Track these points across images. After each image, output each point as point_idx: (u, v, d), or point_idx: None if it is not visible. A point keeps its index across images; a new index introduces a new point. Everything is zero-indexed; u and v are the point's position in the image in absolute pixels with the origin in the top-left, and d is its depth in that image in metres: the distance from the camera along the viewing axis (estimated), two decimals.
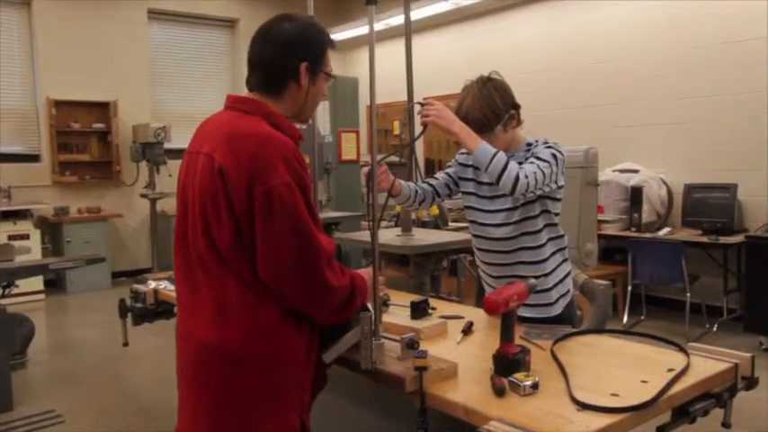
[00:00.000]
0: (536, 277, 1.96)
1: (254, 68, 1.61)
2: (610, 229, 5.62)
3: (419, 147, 7.81)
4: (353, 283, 1.56)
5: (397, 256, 3.09)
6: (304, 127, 2.08)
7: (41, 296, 6.85)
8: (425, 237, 3.23)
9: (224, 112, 1.61)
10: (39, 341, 5.04)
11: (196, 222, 1.51)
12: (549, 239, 2.16)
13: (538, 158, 2.02)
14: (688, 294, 5.02)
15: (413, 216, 3.47)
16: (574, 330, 1.98)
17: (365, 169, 1.91)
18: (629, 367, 1.64)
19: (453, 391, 1.51)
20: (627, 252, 5.40)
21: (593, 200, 3.67)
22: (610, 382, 1.52)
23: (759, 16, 5.16)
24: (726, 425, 1.64)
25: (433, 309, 2.13)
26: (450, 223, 4.87)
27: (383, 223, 4.03)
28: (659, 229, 5.50)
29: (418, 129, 2.06)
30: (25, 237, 6.77)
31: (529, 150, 2.12)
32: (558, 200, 2.16)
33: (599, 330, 2.19)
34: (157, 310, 2.90)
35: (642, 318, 5.58)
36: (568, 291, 2.25)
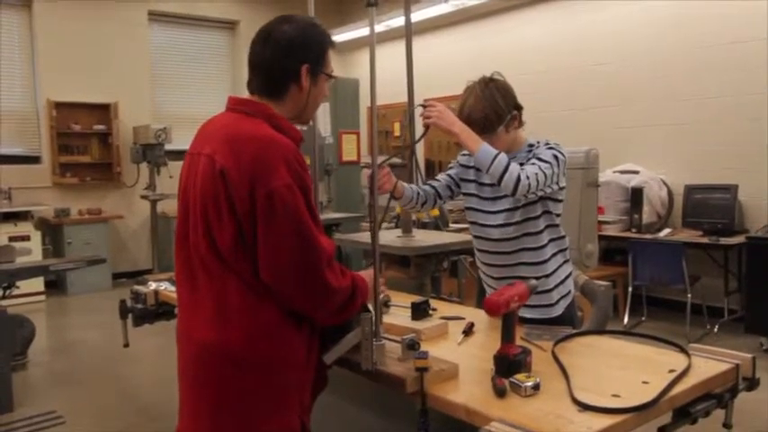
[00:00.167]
0: (537, 278, 1.96)
1: (255, 71, 1.61)
2: (610, 230, 5.62)
3: (420, 148, 7.81)
4: (354, 285, 1.56)
5: (398, 257, 3.09)
6: (304, 128, 2.08)
7: (42, 297, 6.85)
8: (426, 238, 3.23)
9: (225, 114, 1.61)
10: (39, 342, 5.04)
11: (197, 223, 1.51)
12: (551, 240, 2.16)
13: (539, 159, 2.02)
14: (689, 295, 5.02)
15: (413, 217, 3.47)
16: (575, 331, 1.98)
17: (367, 171, 1.91)
18: (630, 368, 1.64)
19: (454, 391, 1.51)
20: (627, 253, 5.40)
21: (594, 201, 3.67)
22: (611, 383, 1.52)
23: (762, 17, 5.15)
24: (727, 426, 1.63)
25: (434, 310, 2.13)
26: (450, 224, 4.88)
27: (383, 224, 4.03)
28: (660, 230, 5.50)
29: (419, 130, 2.06)
30: (26, 238, 6.77)
31: (531, 151, 2.12)
32: (560, 201, 2.16)
33: (600, 331, 2.19)
34: (158, 311, 2.90)
35: (643, 319, 5.57)
36: (569, 292, 2.25)
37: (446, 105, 2.01)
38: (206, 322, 1.50)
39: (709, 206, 5.33)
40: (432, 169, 8.07)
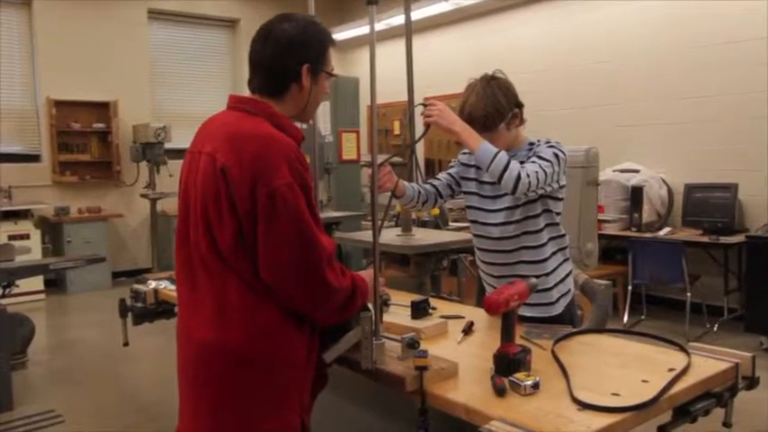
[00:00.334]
0: (537, 277, 1.96)
1: (256, 69, 1.61)
2: (610, 229, 5.62)
3: (420, 147, 7.81)
4: (354, 284, 1.56)
5: (398, 255, 3.09)
6: (304, 127, 2.07)
7: (42, 296, 6.85)
8: (426, 237, 3.23)
9: (226, 112, 1.61)
10: (39, 341, 5.04)
11: (198, 222, 1.51)
12: (551, 239, 2.16)
13: (540, 157, 2.02)
14: (688, 294, 5.02)
15: (413, 216, 3.47)
16: (574, 330, 1.98)
17: (368, 170, 1.91)
18: (629, 367, 1.64)
19: (454, 390, 1.51)
20: (627, 252, 5.40)
21: (594, 199, 3.67)
22: (610, 382, 1.52)
23: (759, 16, 5.15)
24: (727, 424, 1.64)
25: (434, 308, 2.13)
26: (450, 223, 4.87)
27: (384, 223, 4.03)
28: (660, 228, 5.50)
29: (419, 129, 2.06)
30: (25, 237, 6.77)
31: (531, 150, 2.12)
32: (560, 199, 2.15)
33: (599, 330, 2.19)
34: (157, 309, 2.90)
35: (642, 317, 5.58)
36: (569, 290, 2.24)
37: (446, 104, 2.01)
38: (206, 321, 1.50)
39: (709, 205, 5.33)
40: (432, 168, 8.07)
